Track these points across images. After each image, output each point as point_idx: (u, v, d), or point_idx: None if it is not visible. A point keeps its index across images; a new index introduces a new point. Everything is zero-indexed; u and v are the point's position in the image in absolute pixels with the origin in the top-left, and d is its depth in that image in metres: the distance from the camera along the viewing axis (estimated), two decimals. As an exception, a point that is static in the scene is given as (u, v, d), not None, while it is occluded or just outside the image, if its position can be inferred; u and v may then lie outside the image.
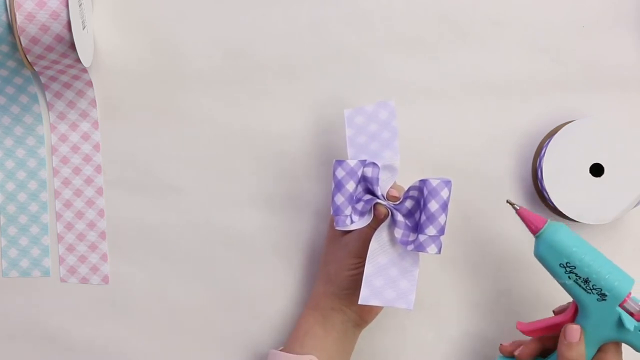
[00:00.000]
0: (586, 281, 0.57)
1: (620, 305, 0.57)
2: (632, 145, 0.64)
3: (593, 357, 0.59)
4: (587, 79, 0.68)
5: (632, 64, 0.68)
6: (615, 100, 0.68)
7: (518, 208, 0.59)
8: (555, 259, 0.58)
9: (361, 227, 0.60)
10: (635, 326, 0.57)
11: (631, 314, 0.57)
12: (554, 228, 0.58)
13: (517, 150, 0.69)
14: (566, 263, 0.57)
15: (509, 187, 0.69)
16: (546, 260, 0.58)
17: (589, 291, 0.57)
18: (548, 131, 0.68)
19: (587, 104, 0.68)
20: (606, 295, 0.57)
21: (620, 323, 0.57)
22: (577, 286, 0.57)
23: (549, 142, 0.65)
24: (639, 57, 0.68)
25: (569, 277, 0.57)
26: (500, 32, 0.68)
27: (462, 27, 0.68)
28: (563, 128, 0.65)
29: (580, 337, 0.58)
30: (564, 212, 0.65)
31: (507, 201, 0.60)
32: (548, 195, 0.65)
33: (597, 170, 0.65)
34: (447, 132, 0.69)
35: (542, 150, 0.66)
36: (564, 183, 0.65)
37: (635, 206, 0.65)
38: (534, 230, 0.58)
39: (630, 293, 0.57)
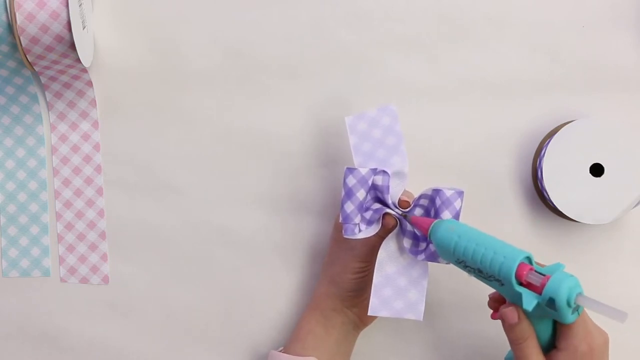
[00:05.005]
0: (480, 271, 0.52)
1: (524, 281, 0.50)
2: (632, 145, 0.64)
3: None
4: (587, 79, 0.68)
5: (632, 64, 0.68)
6: (615, 100, 0.68)
7: (410, 217, 0.58)
8: (448, 257, 0.54)
9: (369, 236, 0.60)
10: (538, 303, 0.49)
11: (537, 289, 0.49)
12: (435, 227, 0.55)
13: (517, 150, 0.69)
14: (456, 259, 0.53)
15: (509, 187, 0.69)
16: (446, 260, 0.55)
17: (490, 280, 0.51)
18: (548, 131, 0.68)
19: (587, 104, 0.68)
20: (500, 280, 0.50)
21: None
22: (482, 279, 0.52)
23: (549, 142, 0.65)
24: (639, 57, 0.68)
25: (468, 272, 0.53)
26: (500, 32, 0.68)
27: (462, 27, 0.68)
28: (563, 128, 0.64)
29: (519, 317, 0.51)
30: (564, 212, 0.65)
31: (400, 213, 0.59)
32: (548, 195, 0.65)
33: (597, 170, 0.65)
34: (446, 132, 0.69)
35: (542, 150, 0.66)
36: (564, 183, 0.64)
37: (635, 206, 0.65)
38: (425, 234, 0.56)
39: (528, 267, 0.50)
